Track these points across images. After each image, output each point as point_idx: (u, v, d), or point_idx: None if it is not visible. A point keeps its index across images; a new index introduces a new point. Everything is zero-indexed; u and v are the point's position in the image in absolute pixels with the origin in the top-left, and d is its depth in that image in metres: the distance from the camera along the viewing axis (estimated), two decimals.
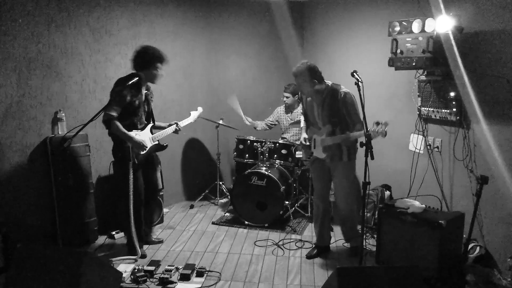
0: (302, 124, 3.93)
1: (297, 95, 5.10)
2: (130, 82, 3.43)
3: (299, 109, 5.14)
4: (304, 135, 3.78)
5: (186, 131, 4.00)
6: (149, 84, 3.74)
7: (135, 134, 3.58)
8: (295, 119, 5.06)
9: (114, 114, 3.44)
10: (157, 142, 3.80)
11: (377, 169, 4.37)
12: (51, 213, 3.88)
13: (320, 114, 3.57)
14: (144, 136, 3.66)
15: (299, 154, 4.40)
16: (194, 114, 4.26)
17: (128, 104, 3.51)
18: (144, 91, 3.69)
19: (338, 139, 3.45)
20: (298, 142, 5.04)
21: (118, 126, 3.48)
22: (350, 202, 3.66)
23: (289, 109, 5.17)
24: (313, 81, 3.46)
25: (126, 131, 3.52)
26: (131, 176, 3.57)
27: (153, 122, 3.84)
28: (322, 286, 2.96)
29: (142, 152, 3.63)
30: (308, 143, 3.72)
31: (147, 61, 3.55)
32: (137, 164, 3.64)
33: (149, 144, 3.70)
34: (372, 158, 2.85)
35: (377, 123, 3.05)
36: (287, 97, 5.05)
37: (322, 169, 3.70)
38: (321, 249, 3.86)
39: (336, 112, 3.48)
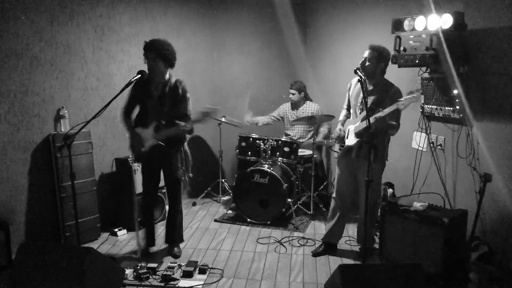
0: (341, 117, 3.80)
1: (302, 92, 5.10)
2: (133, 79, 3.37)
3: (305, 107, 5.14)
4: (340, 126, 3.73)
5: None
6: (180, 81, 3.57)
7: (141, 130, 3.54)
8: (300, 115, 5.05)
9: (123, 106, 3.59)
10: (157, 142, 3.52)
11: None
12: (54, 210, 3.89)
13: (363, 102, 3.41)
14: (146, 134, 3.53)
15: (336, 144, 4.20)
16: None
17: (133, 99, 3.58)
18: (154, 88, 3.52)
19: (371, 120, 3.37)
20: (301, 140, 5.04)
21: (122, 118, 3.63)
22: (372, 204, 3.60)
23: (295, 106, 5.18)
24: (380, 65, 3.41)
25: (128, 125, 3.60)
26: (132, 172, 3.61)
27: (160, 120, 3.50)
28: (325, 283, 2.96)
29: (142, 149, 3.54)
30: (343, 133, 3.65)
31: (143, 54, 3.48)
32: (137, 160, 3.64)
33: (151, 142, 3.53)
34: (375, 156, 2.85)
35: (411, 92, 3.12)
36: (292, 94, 5.05)
37: (347, 167, 3.64)
38: (328, 247, 3.84)
39: (381, 104, 3.40)
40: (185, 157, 3.72)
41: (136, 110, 3.64)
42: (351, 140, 3.56)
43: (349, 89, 3.72)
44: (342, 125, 3.76)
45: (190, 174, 3.81)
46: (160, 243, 3.97)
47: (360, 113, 3.54)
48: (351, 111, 3.70)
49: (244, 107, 5.17)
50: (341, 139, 3.69)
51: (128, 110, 3.62)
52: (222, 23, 5.45)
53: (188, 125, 3.48)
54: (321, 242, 3.92)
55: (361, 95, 3.44)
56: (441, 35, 3.34)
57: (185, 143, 3.72)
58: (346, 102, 3.80)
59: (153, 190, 3.84)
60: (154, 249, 3.90)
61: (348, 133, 3.61)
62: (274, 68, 5.82)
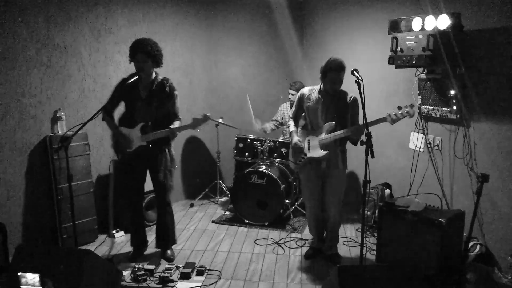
0: (292, 128, 3.74)
1: None
2: (130, 81, 3.36)
3: None
4: (296, 137, 3.65)
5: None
6: (169, 83, 3.54)
7: (127, 130, 3.49)
8: None
9: (107, 105, 3.41)
10: (145, 143, 3.47)
11: (378, 167, 4.39)
12: (51, 212, 3.88)
13: (325, 114, 3.49)
14: (132, 134, 3.48)
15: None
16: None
17: (119, 99, 3.50)
18: (142, 89, 3.49)
19: (341, 134, 3.38)
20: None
21: (105, 117, 3.52)
22: (339, 210, 3.64)
23: None
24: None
25: (112, 124, 3.51)
26: (112, 170, 3.55)
27: (147, 121, 3.47)
28: (323, 284, 2.96)
29: (128, 150, 3.48)
30: (302, 145, 3.59)
31: (130, 55, 3.46)
32: (120, 161, 3.55)
33: (137, 143, 3.48)
34: (373, 156, 2.84)
35: (399, 107, 3.11)
36: (292, 94, 5.05)
37: (315, 175, 3.61)
38: (315, 250, 3.85)
39: (343, 113, 3.46)
40: (170, 160, 3.61)
41: (119, 110, 3.59)
42: (316, 153, 3.50)
43: (302, 99, 3.63)
44: (297, 134, 3.69)
45: (172, 183, 3.67)
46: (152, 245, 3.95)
47: (323, 124, 3.49)
48: (306, 122, 3.63)
49: (251, 115, 5.14)
50: (298, 150, 3.62)
51: (111, 109, 3.53)
52: (219, 25, 5.45)
53: (178, 129, 3.48)
54: (309, 246, 3.94)
55: (320, 107, 3.50)
56: (437, 35, 3.35)
57: (171, 146, 3.63)
58: (294, 112, 3.75)
59: (141, 191, 3.77)
60: (149, 251, 3.89)
61: (308, 145, 3.56)
62: (272, 69, 5.83)
